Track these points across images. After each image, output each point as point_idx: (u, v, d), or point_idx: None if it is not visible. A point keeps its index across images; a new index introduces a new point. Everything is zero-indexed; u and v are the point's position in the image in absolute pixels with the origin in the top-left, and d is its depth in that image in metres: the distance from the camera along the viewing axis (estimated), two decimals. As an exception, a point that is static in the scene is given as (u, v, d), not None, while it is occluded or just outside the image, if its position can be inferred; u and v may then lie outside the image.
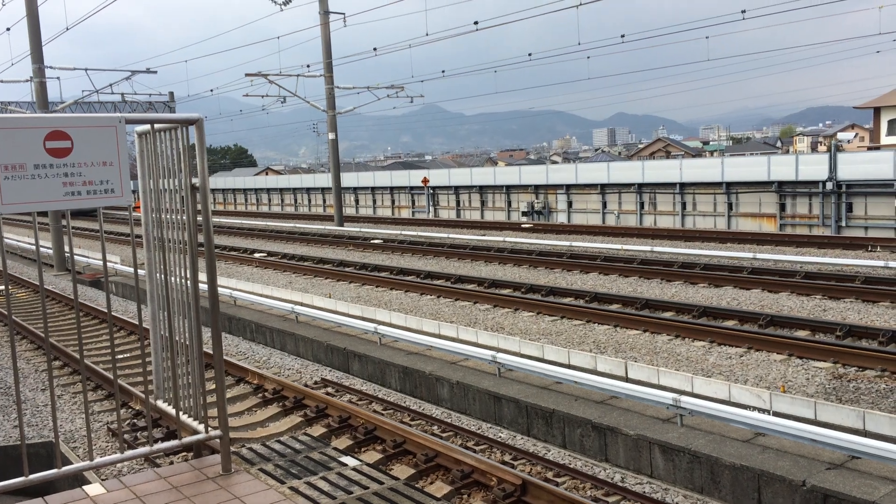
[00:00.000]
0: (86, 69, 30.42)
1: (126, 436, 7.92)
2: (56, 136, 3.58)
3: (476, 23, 25.71)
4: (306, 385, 9.70)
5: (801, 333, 10.42)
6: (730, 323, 11.25)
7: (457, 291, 14.81)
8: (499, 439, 7.59)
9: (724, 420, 7.03)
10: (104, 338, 13.16)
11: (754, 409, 7.41)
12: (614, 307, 12.76)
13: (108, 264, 14.43)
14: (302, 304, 13.83)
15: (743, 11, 23.35)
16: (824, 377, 8.63)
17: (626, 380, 8.77)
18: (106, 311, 14.96)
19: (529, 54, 29.93)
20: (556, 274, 16.70)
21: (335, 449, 4.32)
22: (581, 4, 22.17)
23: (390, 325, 11.89)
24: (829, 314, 11.49)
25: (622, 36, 26.75)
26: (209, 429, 4.03)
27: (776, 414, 7.35)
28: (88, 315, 14.83)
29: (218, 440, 4.05)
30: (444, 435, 7.73)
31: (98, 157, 3.70)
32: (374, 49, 30.40)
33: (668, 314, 12.04)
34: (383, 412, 8.54)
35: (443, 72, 33.32)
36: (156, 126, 4.16)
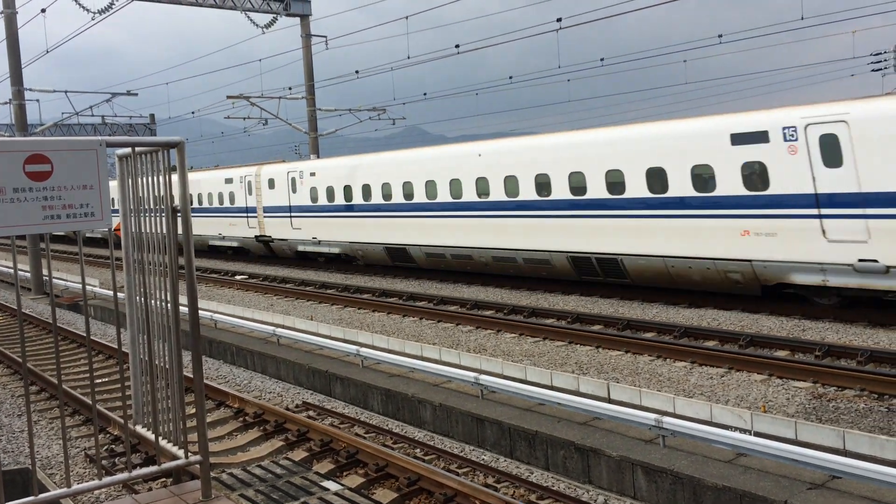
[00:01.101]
0: (66, 91, 30.26)
1: (104, 462, 7.80)
2: (36, 160, 3.56)
3: (457, 46, 25.89)
4: (288, 408, 9.62)
5: (781, 353, 10.50)
6: (711, 343, 11.31)
7: (439, 313, 14.80)
8: (482, 462, 7.56)
9: (706, 441, 7.04)
10: (82, 362, 12.99)
11: (736, 429, 7.43)
12: (596, 328, 12.80)
13: (87, 287, 14.15)
14: (283, 327, 13.74)
15: (719, 36, 23.74)
16: (804, 397, 8.69)
17: (609, 401, 8.77)
18: (84, 334, 14.66)
19: (510, 77, 30.18)
20: (538, 295, 16.73)
21: (317, 473, 4.29)
22: (561, 28, 22.41)
23: (372, 347, 11.83)
24: (808, 334, 11.59)
25: (601, 59, 27.07)
26: (189, 454, 3.99)
27: (757, 434, 7.37)
28: (66, 339, 14.64)
29: (198, 466, 4.01)
30: (427, 458, 7.69)
31: (78, 180, 3.68)
32: (356, 72, 30.49)
33: (649, 335, 12.09)
34: (366, 435, 8.49)
35: (424, 94, 33.45)
36: (137, 149, 4.15)
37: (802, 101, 13.43)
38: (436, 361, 10.85)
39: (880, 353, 9.92)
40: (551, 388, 9.28)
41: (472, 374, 9.27)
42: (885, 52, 40.25)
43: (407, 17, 26.58)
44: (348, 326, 14.14)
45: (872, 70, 40.54)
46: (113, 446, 8.40)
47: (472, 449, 8.16)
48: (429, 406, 9.15)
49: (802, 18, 20.51)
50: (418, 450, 7.96)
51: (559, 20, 22.25)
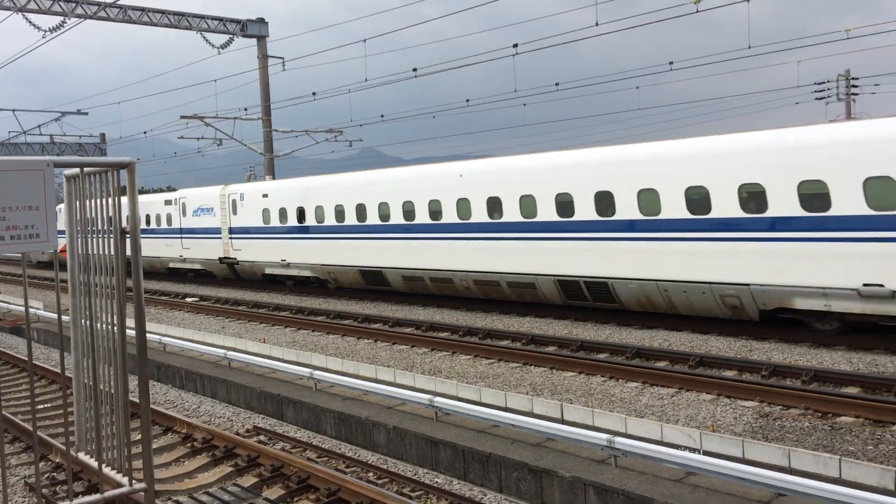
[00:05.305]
0: (13, 110, 29.59)
1: (45, 490, 7.55)
2: (-22, 180, 3.48)
3: (415, 69, 26.11)
4: (238, 433, 9.45)
5: (729, 373, 10.72)
6: (662, 364, 11.49)
7: (394, 335, 14.75)
8: (435, 485, 7.53)
9: (656, 460, 7.13)
10: (24, 387, 12.58)
11: (685, 448, 7.55)
12: (550, 349, 12.90)
13: (31, 310, 13.70)
14: (235, 350, 13.52)
15: (670, 63, 24.38)
16: (751, 416, 8.87)
17: (562, 422, 8.82)
18: (26, 359, 14.25)
19: (467, 100, 30.46)
20: (493, 317, 16.81)
21: (266, 500, 4.23)
22: (517, 54, 22.77)
23: (326, 369, 11.72)
24: (755, 354, 11.86)
25: (556, 84, 27.51)
26: (133, 482, 3.89)
27: (706, 453, 7.49)
28: (7, 363, 14.17)
29: (142, 493, 3.91)
30: (379, 482, 7.63)
31: (24, 201, 3.61)
32: (313, 94, 30.50)
33: (602, 356, 12.22)
34: (318, 460, 8.38)
35: (382, 116, 33.60)
36: (86, 169, 4.09)
37: (749, 128, 13.66)
38: (390, 384, 10.79)
39: (824, 372, 10.20)
40: (506, 409, 9.31)
41: (427, 397, 9.24)
42: (829, 82, 41.69)
43: (365, 41, 26.74)
44: (302, 349, 13.99)
45: (816, 98, 41.93)
46: (55, 474, 8.13)
47: (425, 472, 8.12)
48: (383, 429, 9.09)
49: (749, 48, 21.19)
50: (371, 473, 7.89)
51: (515, 46, 22.61)
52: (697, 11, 18.47)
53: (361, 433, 9.36)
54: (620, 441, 7.33)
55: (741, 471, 6.54)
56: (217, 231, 26.18)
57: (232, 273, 26.34)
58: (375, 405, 9.81)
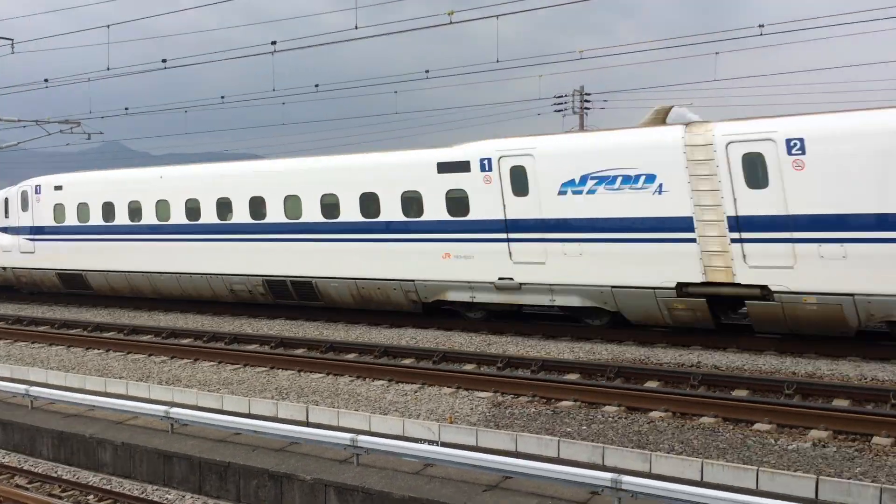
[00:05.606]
0: None
1: None
2: None
3: (164, 60, 24.50)
4: (-74, 465, 8.12)
5: (469, 367, 11.29)
6: (408, 361, 11.81)
7: (129, 344, 13.64)
8: (165, 501, 7.03)
9: (397, 455, 7.28)
10: None
11: (425, 441, 7.79)
12: (299, 352, 12.70)
13: None
14: (-70, 368, 11.65)
15: (426, 71, 25.27)
16: (486, 406, 9.40)
17: (308, 424, 8.72)
18: None
19: (222, 97, 29.19)
20: (241, 321, 16.21)
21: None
22: (276, 52, 22.26)
23: (46, 385, 10.55)
24: (492, 347, 12.62)
25: (316, 85, 27.34)
26: None
27: (444, 444, 7.79)
28: None
29: None
30: (101, 504, 6.96)
31: None
32: (46, 80, 27.33)
33: (351, 356, 12.28)
34: (28, 486, 7.45)
35: (126, 109, 31.07)
36: None
37: (499, 135, 14.62)
38: (122, 397, 9.98)
39: (550, 361, 11.12)
40: (249, 415, 9.00)
41: (163, 408, 8.65)
42: (566, 96, 45.81)
43: (108, 26, 24.58)
44: (18, 363, 12.41)
45: (555, 111, 45.92)
46: None
47: (155, 489, 7.57)
48: (109, 446, 8.33)
49: (498, 61, 22.62)
50: (92, 496, 7.19)
51: (274, 43, 22.10)
52: (451, 23, 19.32)
53: (84, 453, 8.50)
54: (363, 439, 7.38)
55: (473, 458, 6.89)
56: (660, 226, 12.11)
57: (719, 315, 12.55)
58: (103, 421, 8.97)
